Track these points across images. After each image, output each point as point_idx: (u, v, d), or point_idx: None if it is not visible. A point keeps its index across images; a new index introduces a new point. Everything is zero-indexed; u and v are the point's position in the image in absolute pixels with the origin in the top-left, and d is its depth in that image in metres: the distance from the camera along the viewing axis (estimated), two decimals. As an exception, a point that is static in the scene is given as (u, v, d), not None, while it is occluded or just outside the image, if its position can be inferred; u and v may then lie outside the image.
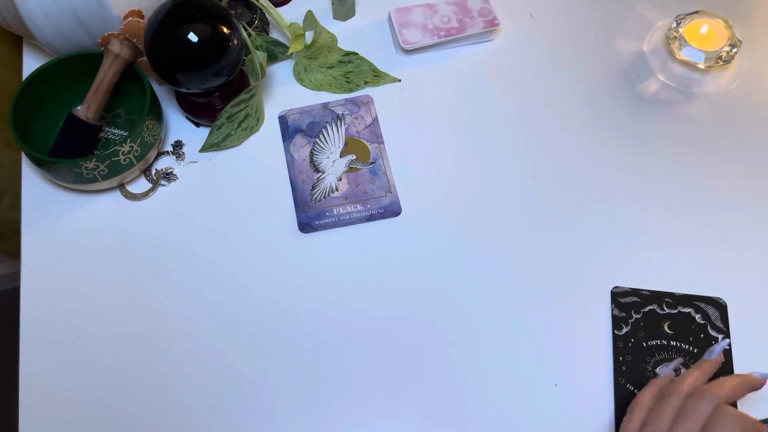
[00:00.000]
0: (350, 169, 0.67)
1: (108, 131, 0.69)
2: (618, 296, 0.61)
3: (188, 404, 0.57)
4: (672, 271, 0.62)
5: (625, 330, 0.59)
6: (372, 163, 0.67)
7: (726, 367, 0.57)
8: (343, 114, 0.70)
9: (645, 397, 0.51)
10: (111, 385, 0.58)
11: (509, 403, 0.57)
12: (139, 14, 0.64)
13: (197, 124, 0.70)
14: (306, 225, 0.64)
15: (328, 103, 0.71)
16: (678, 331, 0.59)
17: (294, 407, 0.57)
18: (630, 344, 0.59)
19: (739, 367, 0.58)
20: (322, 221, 0.64)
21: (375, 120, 0.70)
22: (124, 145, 0.61)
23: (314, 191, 0.66)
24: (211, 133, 0.67)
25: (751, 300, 0.61)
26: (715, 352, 0.53)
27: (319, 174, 0.67)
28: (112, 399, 0.57)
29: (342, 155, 0.68)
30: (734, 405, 0.54)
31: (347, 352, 0.59)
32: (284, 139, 0.69)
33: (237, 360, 0.59)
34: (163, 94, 0.71)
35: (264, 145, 0.69)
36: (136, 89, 0.66)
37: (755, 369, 0.57)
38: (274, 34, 0.76)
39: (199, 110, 0.69)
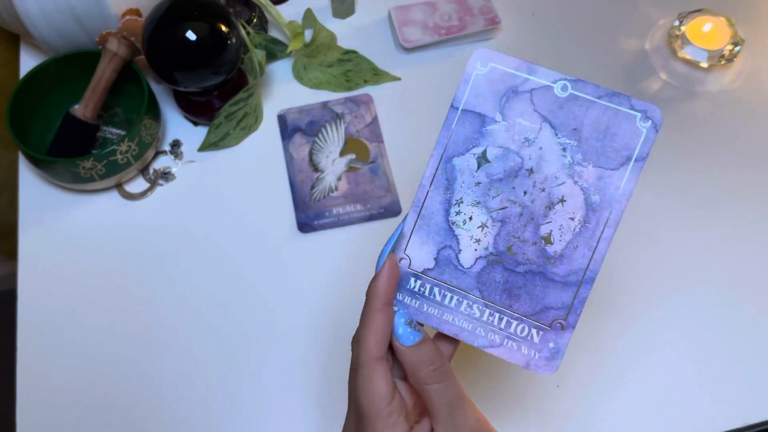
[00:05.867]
0: (350, 169, 0.67)
1: (105, 130, 0.69)
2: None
3: (187, 404, 0.57)
4: (673, 271, 0.62)
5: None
6: (372, 162, 0.67)
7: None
8: (342, 113, 0.70)
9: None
10: (108, 385, 0.58)
11: (510, 405, 0.56)
12: (136, 12, 0.63)
13: (195, 123, 0.70)
14: (305, 225, 0.64)
15: (327, 102, 0.70)
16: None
17: (294, 405, 0.57)
18: None
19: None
20: (322, 221, 0.64)
21: (375, 119, 0.69)
22: (121, 144, 0.61)
23: (313, 191, 0.65)
24: (209, 132, 0.67)
25: (753, 299, 0.61)
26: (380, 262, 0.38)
27: (319, 173, 0.66)
28: (110, 399, 0.57)
29: (341, 155, 0.67)
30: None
31: (347, 351, 0.59)
32: (283, 139, 0.68)
33: (236, 359, 0.58)
34: (161, 92, 0.71)
35: (263, 144, 0.69)
36: (134, 88, 0.66)
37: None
38: (273, 33, 0.75)
39: (197, 109, 0.69)
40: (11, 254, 0.64)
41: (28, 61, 0.73)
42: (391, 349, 0.35)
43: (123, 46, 0.63)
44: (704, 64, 0.72)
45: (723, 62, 0.72)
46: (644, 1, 0.78)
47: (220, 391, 0.57)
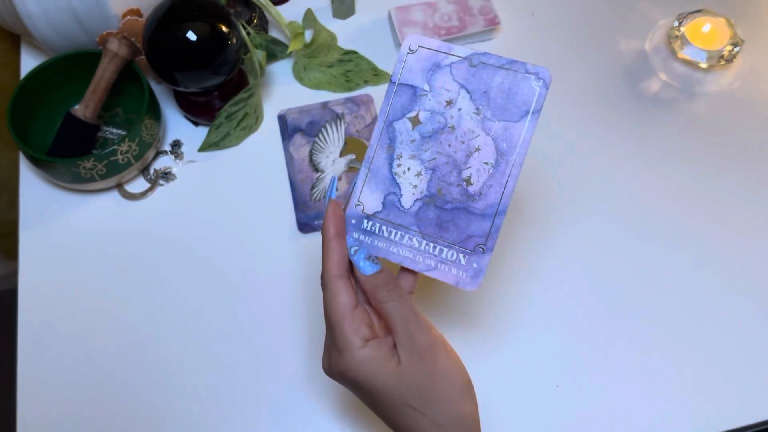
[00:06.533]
0: (350, 169, 0.67)
1: (106, 130, 0.69)
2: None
3: (186, 404, 0.57)
4: (671, 272, 0.62)
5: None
6: (372, 162, 0.67)
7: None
8: (342, 113, 0.70)
9: None
10: (109, 385, 0.58)
11: (511, 404, 0.56)
12: (137, 13, 0.63)
13: (196, 124, 0.70)
14: (305, 225, 0.64)
15: (327, 102, 0.70)
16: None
17: (294, 406, 0.57)
18: None
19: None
20: (322, 221, 0.64)
21: (375, 119, 0.69)
22: (122, 144, 0.61)
23: (314, 191, 0.66)
24: (209, 132, 0.67)
25: (754, 298, 0.61)
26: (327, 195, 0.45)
27: (319, 173, 0.66)
28: (110, 399, 0.57)
29: (342, 155, 0.67)
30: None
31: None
32: (283, 139, 0.69)
33: (236, 359, 0.58)
34: (161, 93, 0.71)
35: (263, 144, 0.69)
36: (135, 88, 0.66)
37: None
38: (274, 33, 0.75)
39: (197, 109, 0.69)
40: (12, 254, 0.64)
41: (28, 62, 0.73)
42: (353, 275, 0.42)
43: (123, 46, 0.63)
44: (704, 65, 0.72)
45: (722, 63, 0.72)
46: (644, 2, 0.78)
47: (220, 390, 0.57)
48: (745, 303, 0.60)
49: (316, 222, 0.64)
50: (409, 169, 0.44)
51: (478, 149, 0.43)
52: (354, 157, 0.68)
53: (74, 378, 0.58)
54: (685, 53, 0.72)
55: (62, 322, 0.60)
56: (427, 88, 0.44)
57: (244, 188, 0.66)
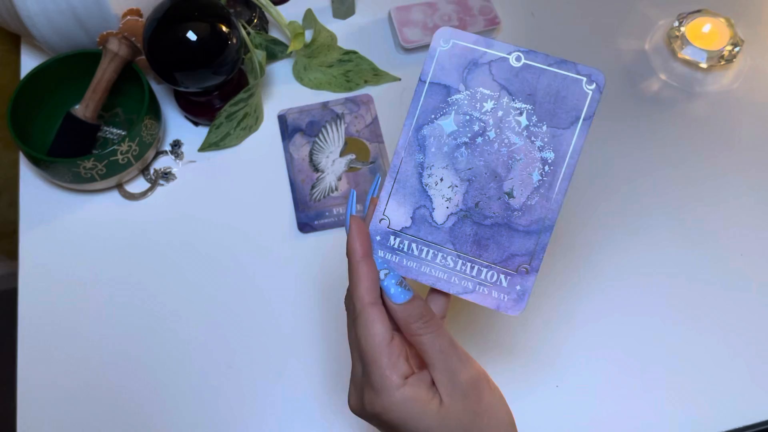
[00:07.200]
0: (350, 169, 0.67)
1: (106, 130, 0.69)
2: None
3: (187, 403, 0.57)
4: (672, 272, 0.62)
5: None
6: (372, 162, 0.67)
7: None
8: (342, 113, 0.70)
9: None
10: (109, 384, 0.58)
11: (510, 405, 0.56)
12: (137, 13, 0.63)
13: (196, 124, 0.70)
14: (305, 225, 0.64)
15: (327, 102, 0.70)
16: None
17: (294, 406, 0.57)
18: None
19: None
20: (322, 221, 0.64)
21: (375, 119, 0.69)
22: (122, 144, 0.61)
23: (314, 191, 0.66)
24: (209, 132, 0.67)
25: (754, 297, 0.61)
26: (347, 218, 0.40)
27: (319, 173, 0.67)
28: (110, 399, 0.57)
29: (342, 155, 0.68)
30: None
31: (347, 349, 0.59)
32: (283, 139, 0.69)
33: (235, 359, 0.58)
34: (161, 93, 0.71)
35: (263, 144, 0.69)
36: (135, 88, 0.66)
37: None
38: (274, 33, 0.76)
39: (197, 109, 0.69)
40: (12, 254, 0.64)
41: (28, 62, 0.73)
42: (384, 301, 0.38)
43: (124, 46, 0.63)
44: (704, 65, 0.72)
45: (722, 63, 0.72)
46: (644, 2, 0.78)
47: (221, 390, 0.57)
48: (745, 302, 0.60)
49: (316, 222, 0.64)
50: (441, 179, 0.39)
51: (521, 159, 0.39)
52: (354, 156, 0.68)
53: (74, 378, 0.58)
54: (685, 53, 0.72)
55: (62, 322, 0.60)
56: (462, 88, 0.39)
57: (244, 188, 0.66)
